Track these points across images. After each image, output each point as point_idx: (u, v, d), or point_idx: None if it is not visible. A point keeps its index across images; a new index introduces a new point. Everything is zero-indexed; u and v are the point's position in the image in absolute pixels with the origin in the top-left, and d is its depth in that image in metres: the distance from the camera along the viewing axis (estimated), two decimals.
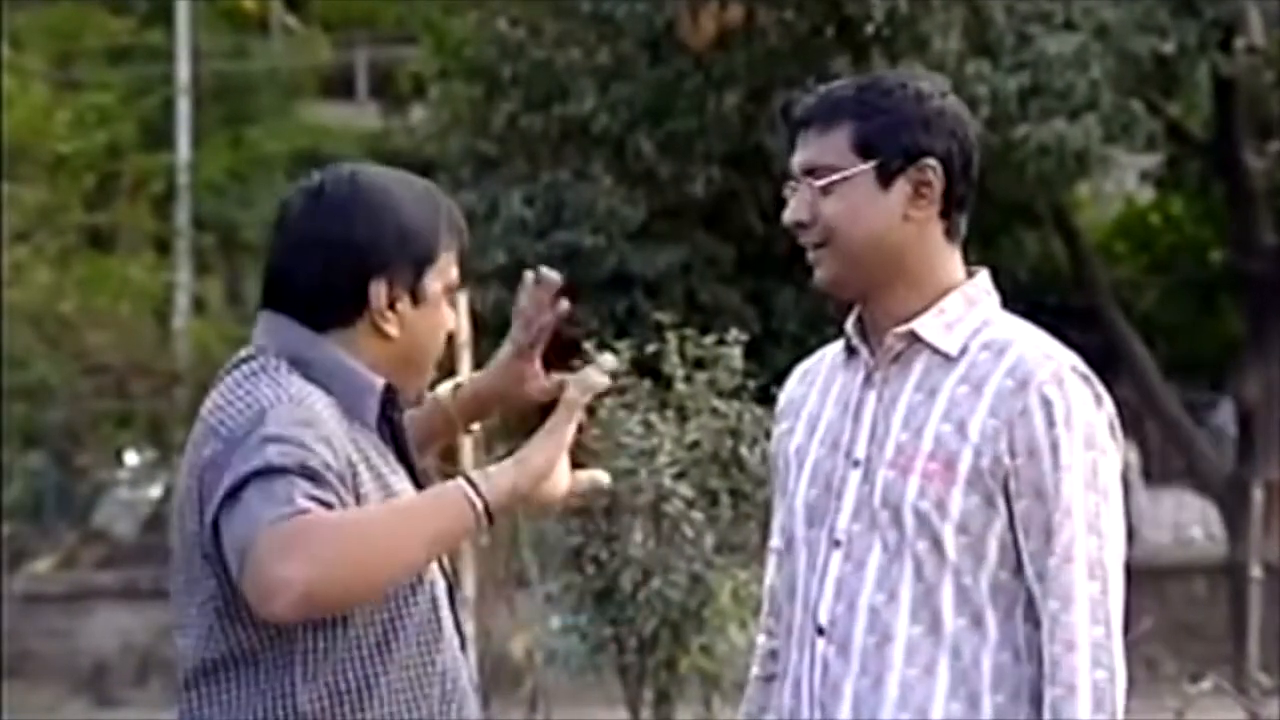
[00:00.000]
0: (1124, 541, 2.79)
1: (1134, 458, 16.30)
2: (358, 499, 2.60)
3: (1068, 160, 11.94)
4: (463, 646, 2.77)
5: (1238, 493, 13.82)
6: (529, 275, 2.94)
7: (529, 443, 2.66)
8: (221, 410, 2.65)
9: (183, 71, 17.94)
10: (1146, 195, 19.30)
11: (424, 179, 2.84)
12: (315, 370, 2.69)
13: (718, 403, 7.53)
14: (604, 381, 2.72)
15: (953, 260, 2.86)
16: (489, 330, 12.71)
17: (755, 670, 3.05)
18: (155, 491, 17.79)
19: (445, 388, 3.02)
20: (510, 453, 2.69)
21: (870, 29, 11.91)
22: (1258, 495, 12.64)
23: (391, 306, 2.72)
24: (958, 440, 2.73)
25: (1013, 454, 2.71)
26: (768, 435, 3.24)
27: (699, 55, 12.91)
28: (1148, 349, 15.21)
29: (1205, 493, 15.28)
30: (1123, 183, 17.14)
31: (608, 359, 2.88)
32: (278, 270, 2.75)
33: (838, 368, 2.93)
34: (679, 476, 7.38)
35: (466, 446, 9.63)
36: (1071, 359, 2.79)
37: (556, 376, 2.92)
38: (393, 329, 2.73)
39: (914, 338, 2.81)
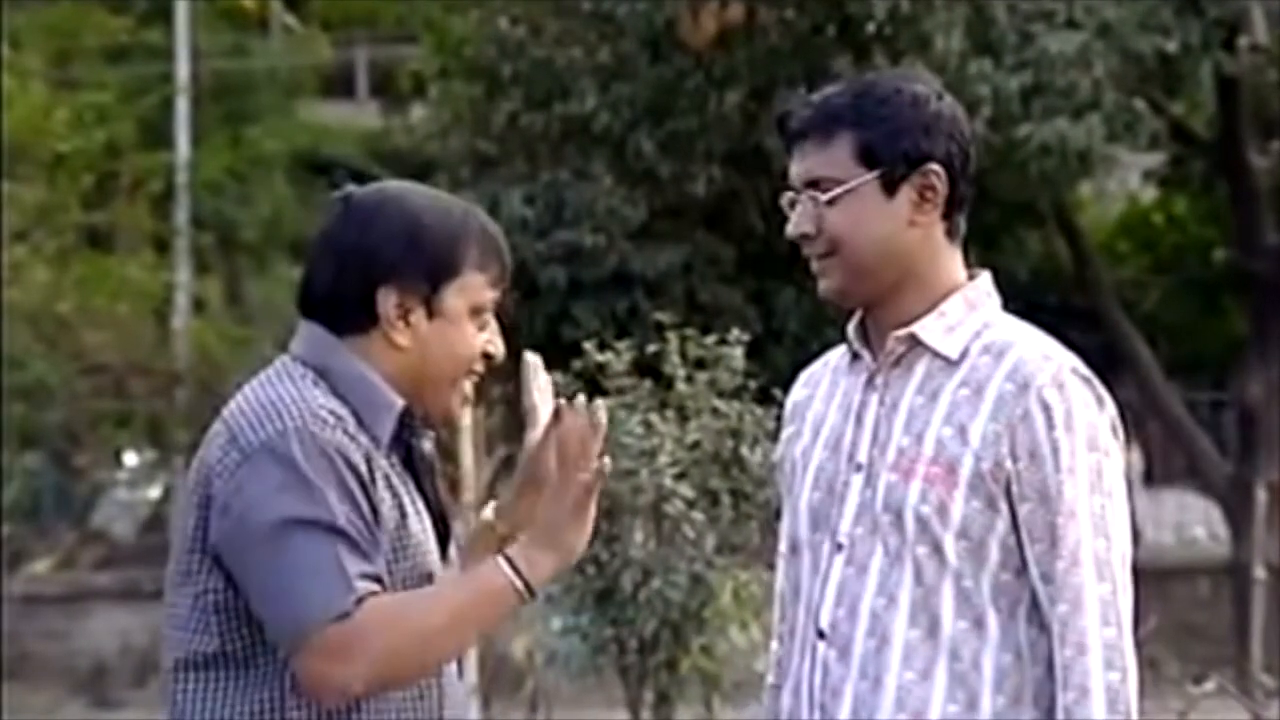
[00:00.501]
0: (1130, 541, 2.79)
1: (1135, 458, 16.29)
2: (376, 514, 2.61)
3: (1070, 160, 11.90)
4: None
5: (1241, 493, 13.79)
6: (581, 404, 2.86)
7: (556, 514, 2.68)
8: (242, 415, 2.65)
9: (182, 70, 17.90)
10: (1149, 195, 19.28)
11: (464, 202, 2.83)
12: (337, 380, 2.69)
13: (718, 403, 7.51)
14: (607, 466, 2.76)
15: (954, 260, 2.86)
16: None
17: (770, 679, 3.03)
18: (154, 492, 17.79)
19: (486, 516, 2.98)
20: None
21: (872, 28, 11.88)
22: (1261, 496, 12.65)
23: (405, 318, 2.71)
24: (959, 444, 2.73)
25: (1014, 458, 2.71)
26: (768, 435, 3.22)
27: (700, 54, 12.88)
28: (1150, 349, 15.19)
29: (1208, 493, 15.26)
30: (1125, 182, 17.13)
31: (599, 407, 2.85)
32: (304, 277, 2.79)
33: (841, 371, 2.93)
34: (680, 477, 7.35)
35: (466, 447, 9.60)
36: (1071, 361, 2.78)
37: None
38: (403, 339, 2.71)
39: (915, 341, 2.81)
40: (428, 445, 2.79)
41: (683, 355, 7.58)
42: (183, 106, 17.80)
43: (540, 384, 2.92)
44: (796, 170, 2.84)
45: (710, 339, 7.62)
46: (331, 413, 2.63)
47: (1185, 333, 18.70)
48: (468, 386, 2.80)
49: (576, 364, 7.58)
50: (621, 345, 7.61)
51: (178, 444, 16.12)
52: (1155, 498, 16.77)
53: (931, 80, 2.89)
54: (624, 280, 13.10)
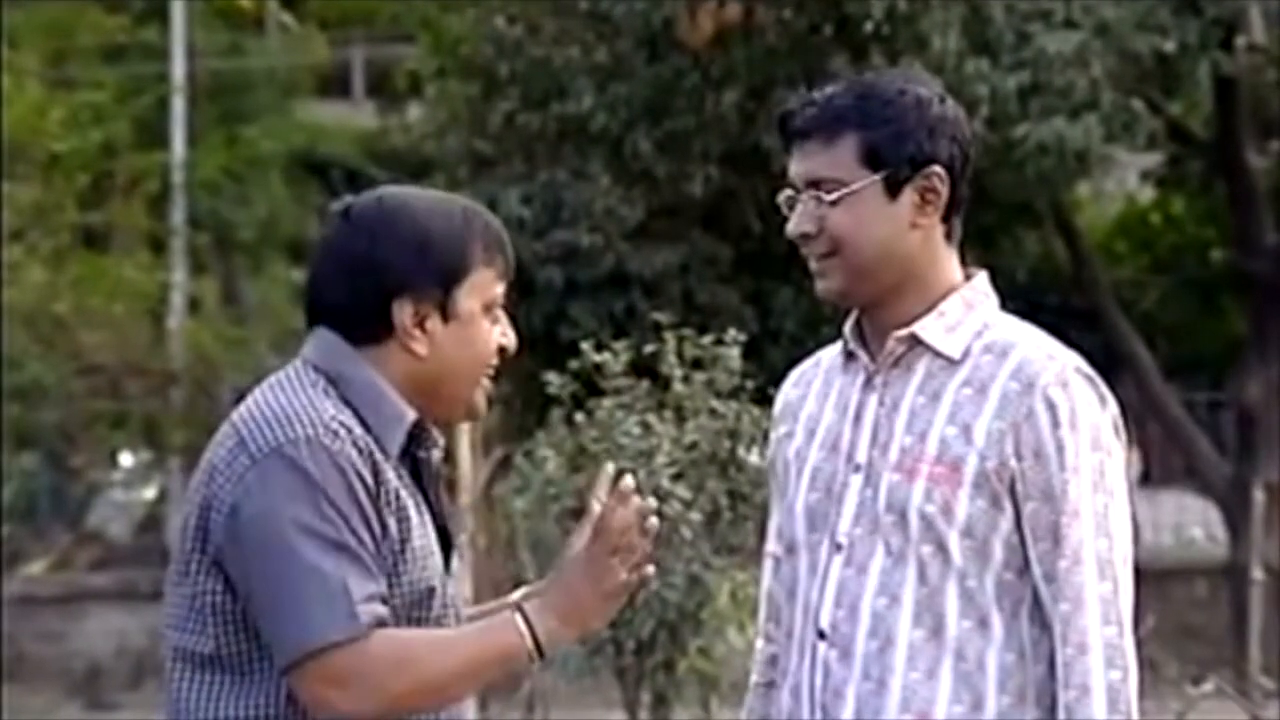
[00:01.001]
0: (1131, 541, 2.80)
1: (1134, 459, 16.27)
2: (384, 528, 2.60)
3: (1068, 159, 11.88)
4: None
5: (1239, 494, 13.77)
6: (634, 494, 2.70)
7: (584, 592, 2.65)
8: (253, 420, 2.63)
9: (178, 70, 17.87)
10: (1147, 195, 19.28)
11: (463, 199, 2.83)
12: (349, 390, 2.68)
13: (716, 403, 7.49)
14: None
15: (952, 261, 2.86)
16: None
17: (755, 677, 3.04)
18: (150, 493, 17.76)
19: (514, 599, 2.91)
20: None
21: (869, 27, 11.87)
22: (1259, 497, 12.62)
23: (421, 325, 2.70)
24: (963, 444, 2.73)
25: (1019, 456, 2.72)
26: (766, 436, 3.21)
27: (697, 53, 12.87)
28: (1149, 349, 15.18)
29: (1206, 494, 15.24)
30: (1123, 182, 17.13)
31: (627, 483, 2.71)
32: (311, 290, 2.77)
33: (835, 371, 2.92)
34: (677, 477, 7.34)
35: (465, 448, 9.59)
36: (1075, 360, 2.79)
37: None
38: (421, 348, 2.71)
39: (915, 341, 2.81)
40: (436, 455, 2.78)
41: (680, 355, 7.56)
42: (179, 106, 17.77)
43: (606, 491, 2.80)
44: (798, 169, 2.83)
45: (707, 339, 7.60)
46: (342, 424, 2.61)
47: (1183, 333, 18.70)
48: (488, 382, 2.79)
49: (574, 364, 7.57)
50: (618, 345, 7.60)
51: (173, 445, 16.11)
52: (1153, 498, 16.75)
53: (935, 83, 2.90)
54: (621, 280, 13.09)
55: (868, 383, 2.84)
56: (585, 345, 7.61)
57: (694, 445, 7.44)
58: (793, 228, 2.84)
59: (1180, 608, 13.75)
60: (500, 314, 2.78)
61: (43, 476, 17.66)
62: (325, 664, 2.51)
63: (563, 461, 7.57)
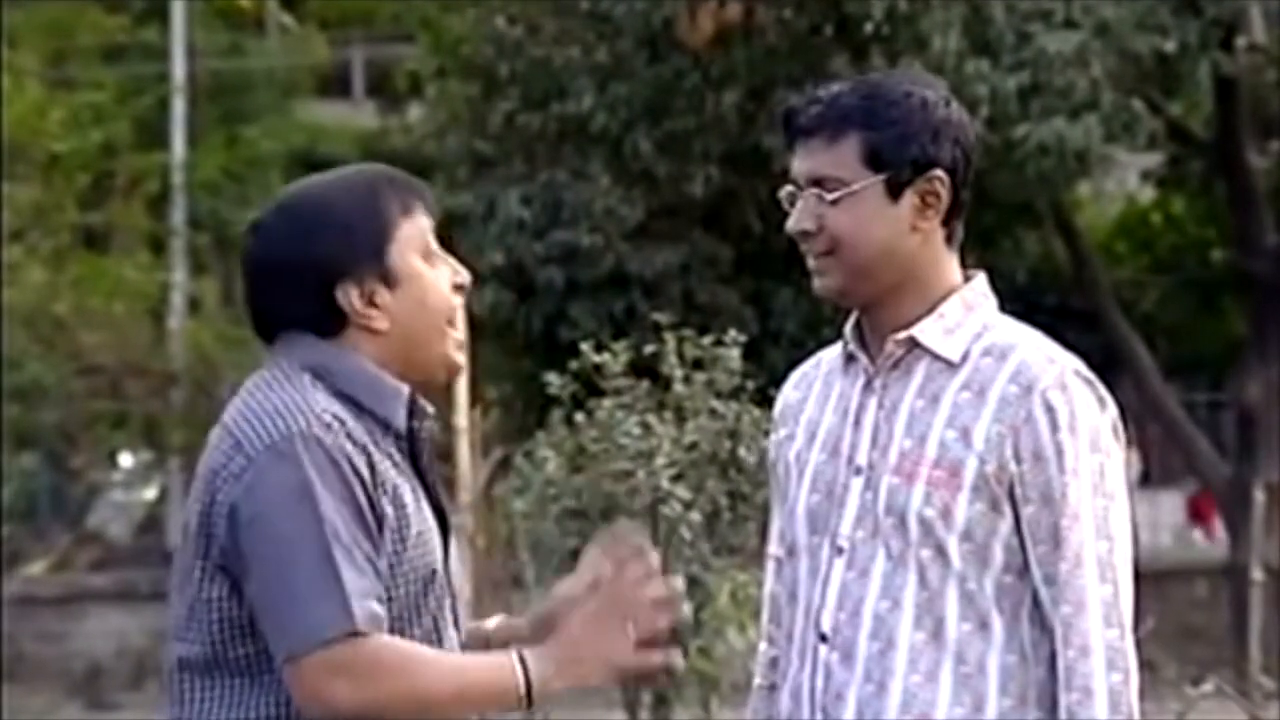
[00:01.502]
0: (1131, 542, 2.80)
1: (1133, 459, 16.27)
2: (382, 518, 2.59)
3: (1068, 160, 11.89)
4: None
5: (1239, 495, 13.77)
6: (651, 556, 2.67)
7: (590, 650, 2.62)
8: (245, 420, 2.62)
9: (178, 70, 17.88)
10: (1147, 195, 19.28)
11: (353, 166, 2.82)
12: (340, 381, 2.67)
13: (716, 404, 7.49)
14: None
15: (952, 264, 2.86)
16: (486, 332, 12.74)
17: (757, 679, 3.04)
18: (150, 493, 17.77)
19: (490, 624, 2.92)
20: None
21: (869, 27, 11.87)
22: (1259, 497, 12.62)
23: (371, 302, 2.68)
24: (962, 447, 2.73)
25: (1018, 460, 2.71)
26: (766, 436, 3.20)
27: (697, 54, 12.87)
28: (1149, 350, 15.18)
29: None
30: (1124, 182, 17.13)
31: (637, 543, 2.70)
32: (254, 311, 2.75)
33: (835, 373, 2.92)
34: (677, 478, 7.33)
35: (464, 449, 9.58)
36: (1074, 363, 2.79)
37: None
38: (381, 323, 2.69)
39: (914, 343, 2.80)
40: (429, 425, 2.76)
41: (680, 356, 7.56)
42: (179, 106, 17.79)
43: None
44: (800, 167, 2.83)
45: (707, 339, 7.60)
46: (335, 416, 2.60)
47: (1183, 333, 18.70)
48: (457, 332, 2.77)
49: (574, 364, 7.56)
50: (619, 346, 7.59)
51: (173, 445, 16.12)
52: (1153, 499, 16.76)
53: (939, 85, 2.89)
54: (621, 280, 13.09)
55: (867, 385, 2.83)
56: (585, 346, 7.61)
57: (694, 446, 7.44)
58: (792, 224, 2.84)
59: (1180, 608, 13.75)
60: (442, 255, 2.75)
61: (43, 477, 17.67)
62: (328, 659, 2.50)
63: (563, 462, 7.57)
